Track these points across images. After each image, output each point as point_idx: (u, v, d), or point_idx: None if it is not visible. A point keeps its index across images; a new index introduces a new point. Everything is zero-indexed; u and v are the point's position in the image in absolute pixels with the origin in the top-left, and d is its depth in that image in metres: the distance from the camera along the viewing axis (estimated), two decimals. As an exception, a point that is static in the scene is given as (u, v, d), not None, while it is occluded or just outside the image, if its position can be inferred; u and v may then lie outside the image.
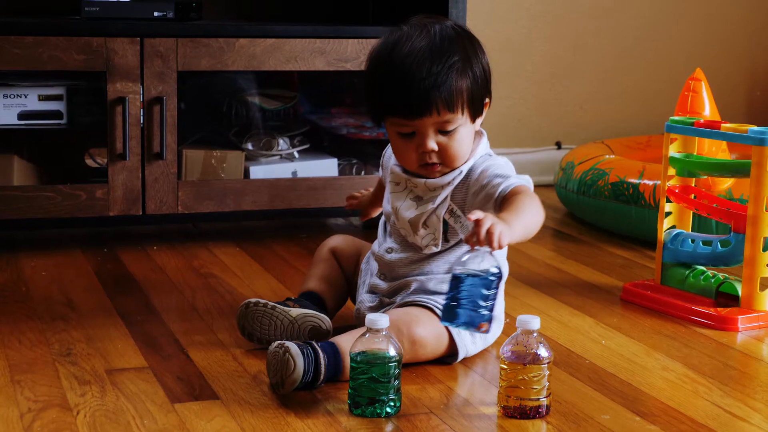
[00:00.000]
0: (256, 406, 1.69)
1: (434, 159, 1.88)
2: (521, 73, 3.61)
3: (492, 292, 1.66)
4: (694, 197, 2.30)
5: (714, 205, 2.27)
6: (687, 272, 2.29)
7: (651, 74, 3.76)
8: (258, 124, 2.90)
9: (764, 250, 2.17)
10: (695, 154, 2.32)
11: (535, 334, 1.68)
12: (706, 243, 2.27)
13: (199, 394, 1.74)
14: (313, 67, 2.68)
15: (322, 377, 1.74)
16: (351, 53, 2.70)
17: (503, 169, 1.89)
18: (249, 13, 3.14)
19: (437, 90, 1.82)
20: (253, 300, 1.93)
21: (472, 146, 1.92)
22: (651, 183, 2.77)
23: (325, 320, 1.93)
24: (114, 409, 1.67)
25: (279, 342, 1.74)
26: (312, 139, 2.92)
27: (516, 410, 1.68)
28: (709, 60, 3.78)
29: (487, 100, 1.93)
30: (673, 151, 2.31)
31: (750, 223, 2.17)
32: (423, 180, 1.92)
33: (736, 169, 2.25)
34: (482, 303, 1.64)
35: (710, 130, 2.24)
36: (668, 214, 2.33)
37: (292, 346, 1.72)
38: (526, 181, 1.88)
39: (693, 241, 2.28)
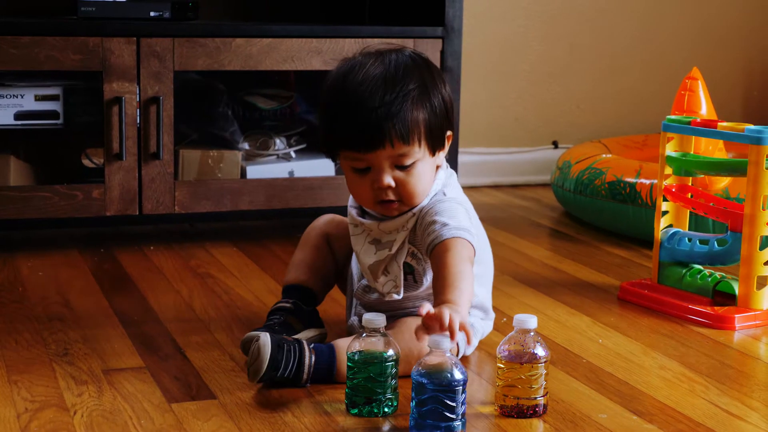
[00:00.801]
0: (253, 405, 1.69)
1: (391, 196, 1.78)
2: (518, 73, 3.61)
3: (460, 398, 1.58)
4: (691, 196, 2.30)
5: (711, 204, 2.27)
6: (684, 271, 2.29)
7: (648, 74, 3.76)
8: (255, 123, 2.89)
9: (761, 249, 2.17)
10: (692, 153, 2.32)
11: (532, 333, 1.68)
12: (703, 242, 2.27)
13: (196, 394, 1.74)
14: (309, 66, 2.68)
15: (306, 375, 1.74)
16: (348, 53, 2.68)
17: (445, 214, 1.78)
18: (246, 12, 3.14)
19: (391, 121, 1.72)
20: (254, 335, 1.80)
21: (432, 182, 1.82)
22: (648, 182, 2.77)
23: (324, 335, 1.94)
24: (111, 409, 1.67)
25: (255, 332, 1.74)
26: (309, 138, 2.92)
27: (513, 409, 1.68)
28: (705, 59, 3.78)
29: (449, 132, 1.82)
30: (670, 150, 2.31)
31: (747, 222, 2.17)
32: (377, 223, 1.83)
33: (733, 168, 2.25)
34: (449, 414, 1.57)
35: (707, 129, 2.24)
36: (665, 213, 2.33)
37: (263, 336, 1.70)
38: (461, 231, 1.76)
39: (690, 240, 2.28)
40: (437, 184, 1.84)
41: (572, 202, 3.02)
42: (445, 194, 1.84)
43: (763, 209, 2.15)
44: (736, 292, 2.20)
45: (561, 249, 2.77)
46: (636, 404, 1.75)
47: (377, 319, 1.67)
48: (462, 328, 1.58)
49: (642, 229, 2.77)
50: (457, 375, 1.57)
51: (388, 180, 1.76)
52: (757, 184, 2.15)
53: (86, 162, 2.73)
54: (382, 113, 1.72)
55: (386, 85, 1.73)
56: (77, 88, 2.65)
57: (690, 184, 2.33)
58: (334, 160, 1.84)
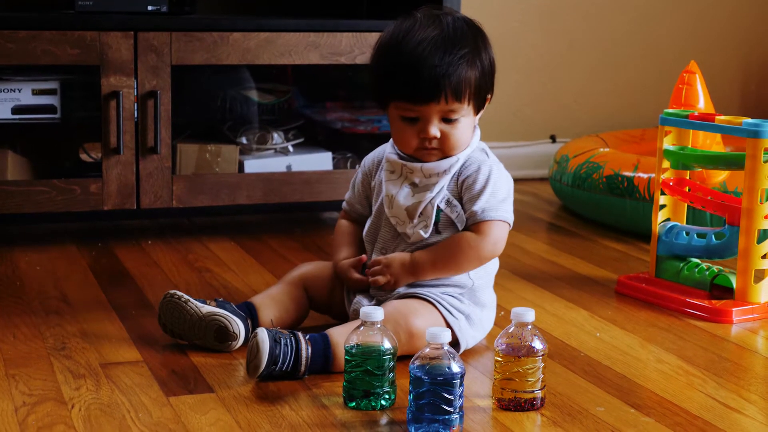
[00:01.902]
0: (251, 399, 1.69)
1: (434, 145, 1.90)
2: (515, 67, 3.61)
3: (457, 391, 1.59)
4: (689, 190, 2.31)
5: (708, 198, 2.27)
6: (682, 265, 2.29)
7: (645, 67, 3.76)
8: (252, 118, 2.89)
9: (759, 242, 2.17)
10: (690, 146, 2.32)
11: (529, 327, 1.68)
12: (700, 236, 2.27)
13: (193, 387, 1.74)
14: (307, 60, 2.68)
15: (303, 367, 1.75)
16: (345, 47, 2.70)
17: (490, 195, 1.90)
18: (243, 6, 3.13)
19: (447, 78, 1.84)
20: (172, 291, 1.91)
21: (471, 137, 1.94)
22: (645, 176, 2.77)
23: (234, 322, 1.88)
24: (109, 403, 1.67)
25: (257, 329, 1.76)
26: (306, 133, 2.92)
27: (511, 402, 1.68)
28: (703, 53, 3.78)
29: (489, 95, 1.94)
30: (668, 143, 2.31)
31: (744, 216, 2.17)
32: (419, 165, 1.92)
33: (731, 162, 2.25)
34: (446, 407, 1.57)
35: (704, 122, 2.24)
36: (663, 206, 2.33)
37: (260, 332, 1.73)
38: (499, 216, 1.90)
39: (687, 233, 2.28)
40: (475, 139, 1.95)
41: (570, 196, 3.02)
42: (487, 154, 1.95)
43: (761, 202, 2.15)
44: (734, 285, 2.20)
45: (559, 243, 2.77)
46: (633, 397, 1.75)
47: (375, 312, 1.67)
48: (386, 282, 1.90)
49: (640, 223, 2.77)
50: (455, 368, 1.57)
51: (435, 131, 1.88)
52: (755, 178, 2.15)
53: (84, 156, 2.72)
54: (440, 71, 1.84)
55: (444, 46, 1.85)
56: (74, 83, 2.65)
57: (688, 177, 2.33)
58: (384, 110, 1.90)
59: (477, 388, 1.77)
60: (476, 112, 1.92)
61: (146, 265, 2.46)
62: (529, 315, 1.69)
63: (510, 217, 1.93)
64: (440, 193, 1.91)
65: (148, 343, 1.94)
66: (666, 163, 2.31)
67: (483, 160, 1.93)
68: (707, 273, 2.25)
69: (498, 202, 1.90)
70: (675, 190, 2.31)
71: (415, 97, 1.86)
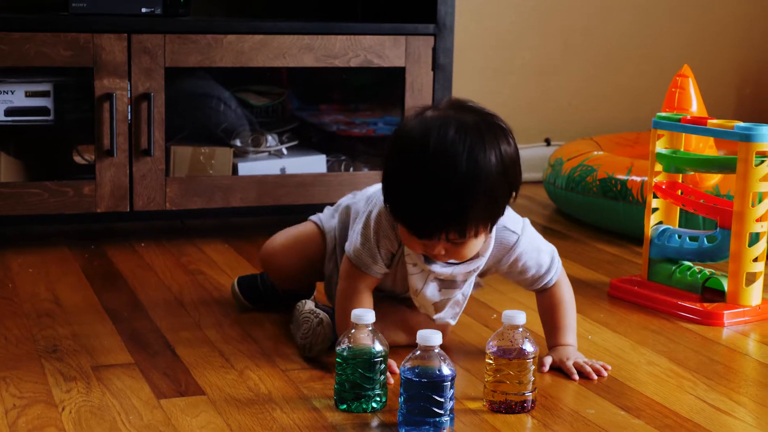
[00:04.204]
0: (242, 402, 1.70)
1: (440, 257, 1.80)
2: (510, 69, 3.61)
3: (448, 393, 1.59)
4: (681, 193, 2.31)
5: (700, 201, 2.27)
6: (674, 268, 2.29)
7: (641, 71, 3.76)
8: (246, 120, 2.89)
9: (750, 246, 2.17)
10: (682, 150, 2.32)
11: (520, 329, 1.69)
12: (692, 239, 2.27)
13: (185, 390, 1.74)
14: (301, 63, 2.68)
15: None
16: (339, 49, 2.70)
17: (530, 257, 1.89)
18: (238, 9, 3.13)
19: (451, 222, 1.71)
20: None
21: (482, 245, 1.83)
22: (639, 179, 2.78)
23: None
24: (99, 405, 1.67)
25: (312, 309, 1.88)
26: (301, 135, 2.92)
27: (501, 405, 1.68)
28: (698, 57, 3.79)
29: (511, 199, 1.79)
30: (660, 147, 2.31)
31: (735, 219, 2.17)
32: (449, 270, 1.85)
33: (723, 165, 2.26)
34: (437, 410, 1.57)
35: (697, 126, 2.24)
36: (655, 210, 2.33)
37: (325, 317, 1.86)
38: (556, 262, 1.93)
39: (680, 236, 2.29)
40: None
41: (564, 199, 3.03)
42: (506, 227, 1.87)
43: (752, 206, 2.16)
44: (726, 288, 2.21)
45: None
46: (624, 400, 1.75)
47: (366, 315, 1.67)
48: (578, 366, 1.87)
49: (633, 226, 2.77)
50: (446, 371, 1.58)
51: (440, 251, 1.77)
52: (746, 181, 2.15)
53: (78, 159, 2.72)
54: (445, 217, 1.71)
55: (449, 188, 1.69)
56: (68, 85, 2.65)
57: (680, 181, 2.33)
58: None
59: (468, 391, 1.77)
60: (490, 230, 1.81)
61: (139, 268, 2.46)
62: (519, 317, 1.69)
63: (553, 249, 1.94)
64: (470, 284, 1.90)
65: (140, 345, 1.94)
66: (658, 167, 2.32)
67: (507, 241, 1.87)
68: (699, 276, 2.25)
69: (547, 258, 1.91)
70: (667, 194, 2.31)
71: (415, 231, 1.74)
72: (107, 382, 1.76)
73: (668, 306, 2.23)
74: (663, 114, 2.32)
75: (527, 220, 1.92)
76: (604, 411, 1.71)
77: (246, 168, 2.75)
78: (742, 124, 2.16)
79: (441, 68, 2.76)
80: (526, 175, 3.56)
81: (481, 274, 1.94)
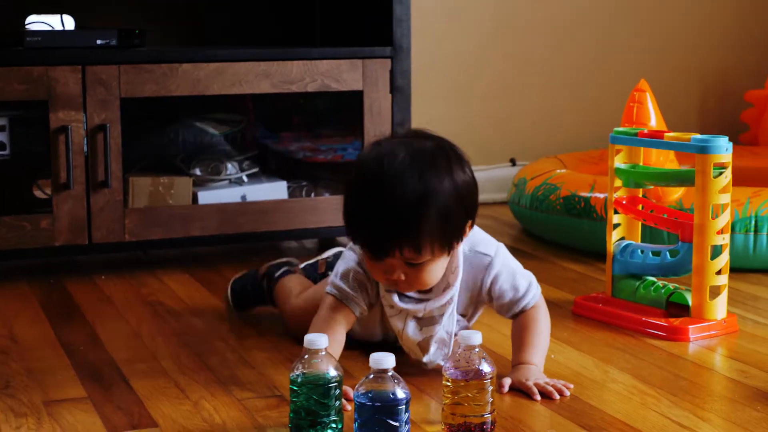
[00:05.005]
0: (195, 432, 1.67)
1: (403, 285, 1.82)
2: (474, 90, 3.60)
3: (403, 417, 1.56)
4: (642, 208, 2.29)
5: (663, 215, 2.26)
6: (637, 284, 2.27)
7: (604, 89, 3.76)
8: (205, 149, 2.87)
9: (712, 258, 2.15)
10: (641, 165, 2.31)
11: (477, 350, 1.66)
12: (655, 253, 2.25)
13: (137, 422, 1.70)
14: (258, 89, 2.66)
15: None
16: (296, 75, 2.68)
17: (505, 281, 1.91)
18: (195, 38, 3.11)
19: (402, 235, 1.73)
20: None
21: (444, 267, 1.84)
22: (602, 196, 2.76)
23: None
24: (49, 441, 1.63)
25: None
26: (261, 162, 2.90)
27: (461, 427, 1.65)
28: (661, 74, 3.79)
29: (466, 227, 1.83)
30: (619, 162, 2.30)
31: (696, 232, 2.15)
32: (422, 306, 1.87)
33: (682, 178, 2.24)
34: None
35: (654, 139, 2.23)
36: (617, 225, 2.32)
37: None
38: (534, 286, 1.94)
39: (642, 251, 2.27)
40: (460, 249, 1.87)
41: (529, 218, 3.01)
42: (478, 251, 1.90)
43: (713, 218, 2.14)
44: (690, 302, 2.19)
45: (517, 266, 2.74)
46: (586, 419, 1.73)
47: (319, 340, 1.64)
48: (539, 386, 1.82)
49: (597, 243, 2.74)
50: (399, 394, 1.55)
51: (399, 275, 1.79)
52: (705, 194, 2.13)
53: (38, 193, 2.69)
54: (395, 231, 1.74)
55: (398, 203, 1.73)
56: (24, 118, 2.62)
57: (642, 196, 2.32)
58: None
59: (426, 414, 1.74)
60: (448, 252, 1.81)
61: (99, 301, 2.43)
62: (476, 338, 1.66)
63: (530, 275, 1.96)
64: (451, 320, 1.89)
65: (94, 379, 1.91)
66: (618, 182, 2.30)
67: (480, 265, 1.90)
68: (663, 291, 2.23)
69: (524, 282, 1.93)
70: (628, 209, 2.29)
71: (370, 250, 1.78)
72: (58, 417, 1.72)
73: (633, 322, 2.21)
74: (620, 129, 2.31)
75: (502, 245, 1.94)
76: (565, 431, 1.68)
77: (206, 197, 2.73)
78: (698, 136, 2.15)
79: (399, 90, 2.74)
80: (491, 196, 3.55)
81: (464, 313, 1.95)
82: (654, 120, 2.54)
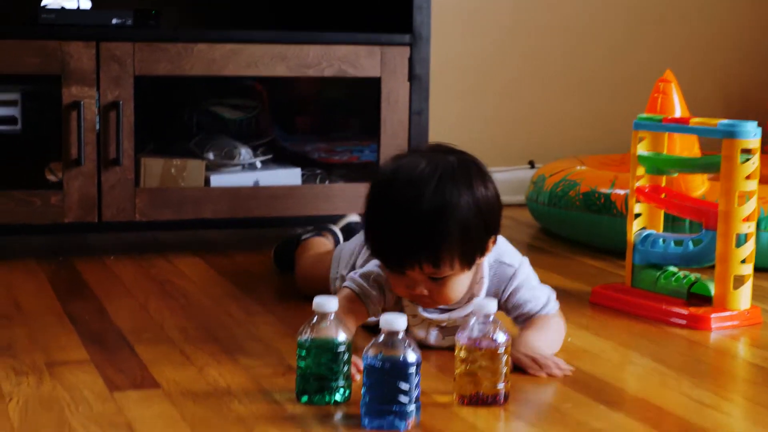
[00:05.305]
0: (199, 395, 1.61)
1: (426, 299, 1.79)
2: (492, 91, 3.56)
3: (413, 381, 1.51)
4: (665, 196, 2.23)
5: (686, 204, 2.20)
6: (658, 274, 2.21)
7: (625, 92, 3.70)
8: (220, 133, 2.82)
9: (737, 247, 2.09)
10: (665, 153, 2.25)
11: (491, 318, 1.60)
12: (677, 243, 2.19)
13: (140, 383, 1.65)
14: (273, 72, 2.62)
15: None
16: (313, 59, 2.63)
17: (525, 293, 1.87)
18: (212, 21, 3.08)
19: (422, 249, 1.71)
20: None
21: (469, 282, 1.81)
22: (622, 192, 2.70)
23: None
24: (49, 398, 1.58)
25: None
26: (275, 149, 2.85)
27: (473, 398, 1.59)
28: (681, 74, 3.73)
29: (489, 241, 1.78)
30: (642, 149, 2.24)
31: (721, 219, 2.09)
32: (446, 316, 1.84)
33: (707, 165, 2.19)
34: (401, 398, 1.49)
35: (679, 125, 2.17)
36: (638, 215, 2.25)
37: None
38: (553, 300, 1.89)
39: (664, 241, 2.21)
40: (491, 254, 1.84)
41: (546, 215, 2.95)
42: (502, 261, 1.87)
43: (739, 205, 2.08)
44: (712, 293, 2.12)
45: (535, 261, 2.64)
46: (603, 395, 1.66)
47: (328, 303, 1.58)
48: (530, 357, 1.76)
49: (617, 240, 2.68)
50: (411, 357, 1.49)
51: (422, 290, 1.76)
52: (731, 180, 2.07)
53: (50, 177, 2.64)
54: (411, 243, 1.71)
55: (417, 215, 1.70)
56: (36, 93, 2.58)
57: (663, 184, 2.25)
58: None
59: (437, 384, 1.68)
60: (469, 266, 1.77)
61: (107, 279, 2.38)
62: (491, 306, 1.60)
63: (550, 289, 1.91)
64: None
65: (98, 343, 1.86)
66: (640, 170, 2.24)
67: (504, 275, 1.86)
68: (684, 281, 2.17)
69: (543, 295, 1.88)
70: (650, 197, 2.23)
71: (392, 264, 1.75)
72: (60, 376, 1.67)
73: (652, 311, 2.14)
74: (644, 115, 2.25)
75: (526, 259, 1.91)
76: (582, 405, 1.62)
77: (218, 180, 2.68)
78: (725, 121, 2.09)
79: (417, 79, 2.70)
80: (510, 198, 3.50)
81: None
82: (679, 111, 2.48)
